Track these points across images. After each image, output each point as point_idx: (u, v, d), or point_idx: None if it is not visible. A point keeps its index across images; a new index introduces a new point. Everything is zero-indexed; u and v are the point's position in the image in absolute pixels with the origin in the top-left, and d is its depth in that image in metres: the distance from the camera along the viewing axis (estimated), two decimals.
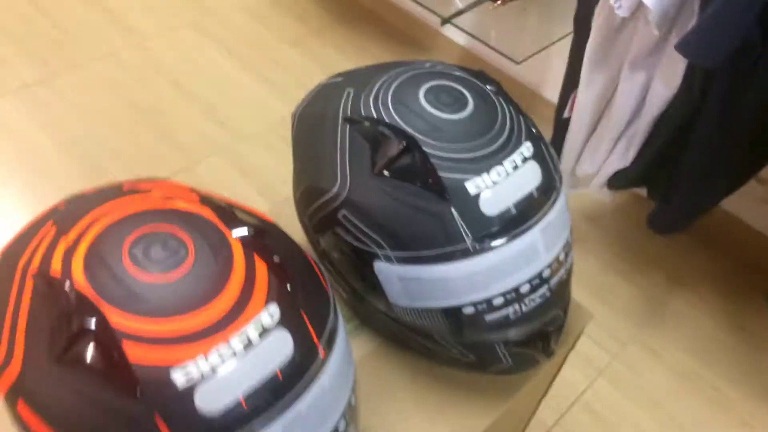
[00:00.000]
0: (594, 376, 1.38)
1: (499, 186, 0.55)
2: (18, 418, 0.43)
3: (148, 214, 0.46)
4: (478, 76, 0.60)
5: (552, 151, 0.61)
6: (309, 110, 0.63)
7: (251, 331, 0.43)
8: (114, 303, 0.41)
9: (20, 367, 0.42)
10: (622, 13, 0.89)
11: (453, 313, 0.57)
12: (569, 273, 0.62)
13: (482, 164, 0.55)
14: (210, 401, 0.41)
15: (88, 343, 0.41)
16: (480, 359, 0.62)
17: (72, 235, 0.44)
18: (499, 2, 1.37)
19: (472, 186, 0.54)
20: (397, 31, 1.81)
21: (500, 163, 0.55)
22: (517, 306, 0.58)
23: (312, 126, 0.61)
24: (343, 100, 0.60)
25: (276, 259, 0.47)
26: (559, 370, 0.80)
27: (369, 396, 0.64)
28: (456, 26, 1.34)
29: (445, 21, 1.32)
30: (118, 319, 0.41)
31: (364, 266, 0.58)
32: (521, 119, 0.59)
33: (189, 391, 0.41)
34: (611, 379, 1.38)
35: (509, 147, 0.56)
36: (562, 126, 1.15)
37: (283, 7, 1.78)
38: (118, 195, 0.49)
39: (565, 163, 1.20)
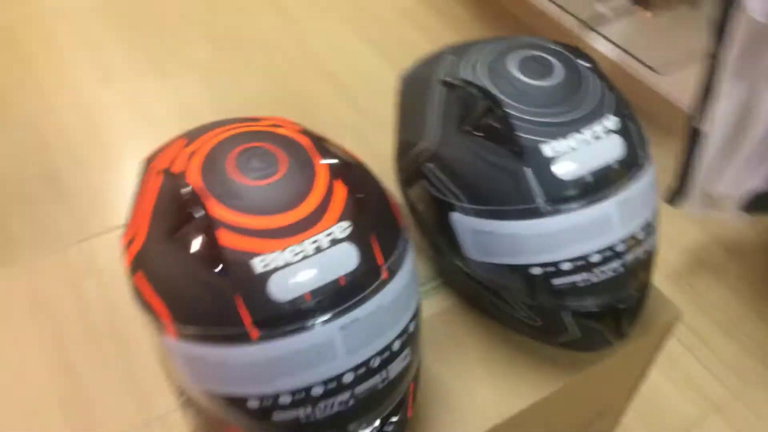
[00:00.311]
0: (708, 412, 1.31)
1: (577, 152, 0.57)
2: (135, 288, 0.52)
3: (255, 135, 0.55)
4: (574, 50, 0.63)
5: (644, 133, 0.62)
6: (414, 74, 0.68)
7: (323, 238, 0.49)
8: (217, 198, 0.49)
9: (142, 244, 0.52)
10: (760, 17, 0.86)
11: (521, 272, 0.60)
12: (649, 256, 0.62)
13: (561, 129, 0.57)
14: (280, 289, 0.47)
15: (193, 227, 0.49)
16: (546, 325, 0.63)
17: (195, 145, 0.54)
18: (649, 14, 1.35)
19: (548, 149, 0.57)
20: (538, 34, 1.82)
21: (579, 131, 0.57)
22: (586, 275, 0.59)
23: (414, 88, 0.67)
24: (443, 66, 0.64)
25: (355, 188, 0.53)
26: (644, 370, 0.78)
27: (440, 347, 0.68)
28: (599, 33, 1.34)
29: (588, 27, 1.32)
30: (218, 211, 0.49)
31: (444, 218, 0.62)
32: (611, 95, 0.60)
33: (264, 277, 0.47)
34: (728, 418, 1.30)
35: (592, 117, 0.58)
36: (695, 139, 1.11)
37: (434, 10, 1.86)
38: (237, 122, 0.58)
39: (698, 179, 1.16)
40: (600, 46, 1.74)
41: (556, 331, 0.63)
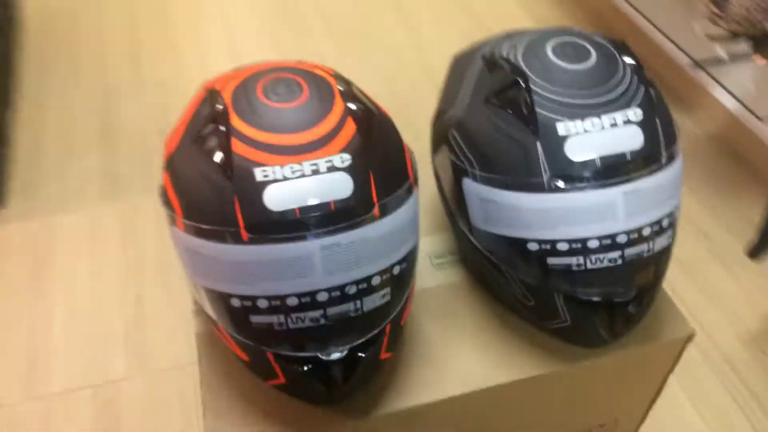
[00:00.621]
0: None
1: (590, 135, 0.58)
2: (161, 185, 0.59)
3: (290, 69, 0.61)
4: (619, 45, 0.64)
5: (674, 134, 0.62)
6: (465, 53, 0.72)
7: (322, 163, 0.54)
8: (239, 113, 0.55)
9: (174, 147, 0.59)
10: None
11: (519, 246, 0.61)
12: (656, 257, 0.62)
13: (580, 111, 0.58)
14: (273, 200, 0.52)
15: (214, 134, 0.55)
16: (538, 306, 0.64)
17: (241, 73, 0.61)
18: (765, 62, 1.31)
19: (562, 127, 0.58)
20: (651, 68, 1.78)
21: (598, 115, 0.58)
22: (581, 258, 0.59)
23: (460, 63, 0.70)
24: (490, 45, 0.67)
25: (366, 127, 0.57)
26: (653, 387, 0.76)
27: (440, 315, 0.70)
28: (707, 73, 1.30)
29: (697, 65, 1.29)
30: (237, 123, 0.55)
31: (457, 183, 0.64)
32: (645, 90, 0.61)
33: (262, 186, 0.53)
34: None
35: (614, 105, 0.59)
36: None
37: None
38: (285, 62, 0.64)
39: None
40: (711, 88, 1.68)
41: (548, 314, 0.64)
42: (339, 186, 0.54)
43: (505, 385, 0.64)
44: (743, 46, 1.38)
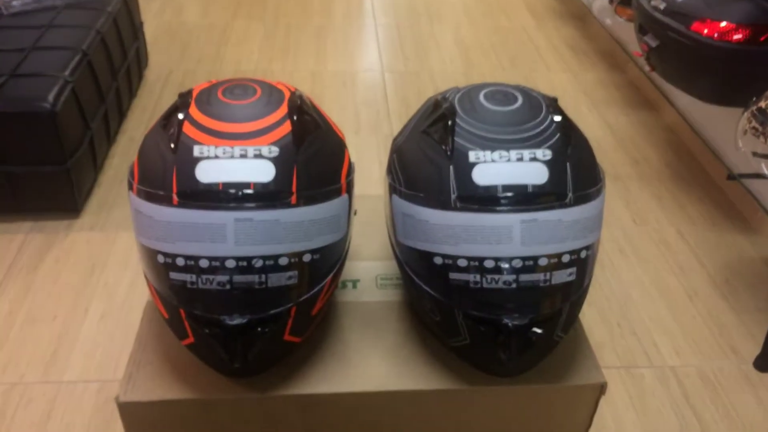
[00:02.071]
0: None
1: (496, 164, 0.64)
2: (131, 164, 0.71)
3: (255, 80, 0.72)
4: (549, 100, 0.70)
5: (589, 181, 0.67)
6: (432, 98, 0.81)
7: (250, 150, 0.63)
8: (198, 104, 0.67)
9: (149, 129, 0.71)
10: None
11: (427, 260, 0.67)
12: (557, 291, 0.65)
13: (491, 144, 0.65)
14: (202, 173, 0.62)
15: (174, 119, 0.66)
16: (443, 322, 0.68)
17: (216, 81, 0.73)
18: None
19: (473, 155, 0.65)
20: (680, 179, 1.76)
21: (507, 149, 0.65)
22: (478, 276, 0.64)
23: (422, 106, 0.79)
24: (446, 91, 0.76)
25: (303, 132, 0.66)
26: None
27: (366, 325, 0.75)
28: (743, 185, 1.30)
29: (733, 177, 1.29)
30: (194, 112, 0.66)
31: (390, 200, 0.72)
32: (561, 137, 0.66)
33: (196, 161, 0.63)
34: None
35: (524, 144, 0.65)
36: None
37: (621, 145, 1.91)
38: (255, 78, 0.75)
39: None
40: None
41: (451, 331, 0.68)
42: (261, 170, 0.63)
43: (403, 392, 0.68)
44: None
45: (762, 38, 1.49)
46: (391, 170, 0.72)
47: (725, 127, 1.75)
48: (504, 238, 0.63)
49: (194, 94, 0.68)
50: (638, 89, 2.28)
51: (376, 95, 2.15)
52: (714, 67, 1.54)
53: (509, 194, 0.63)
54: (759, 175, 1.38)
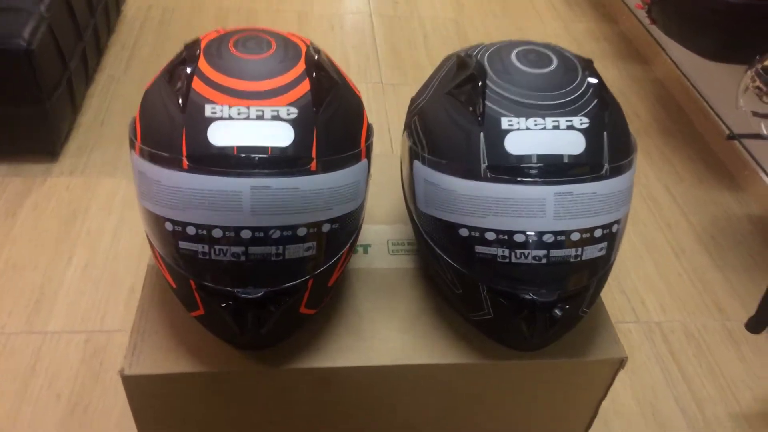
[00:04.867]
0: None
1: (531, 133, 0.60)
2: (132, 118, 0.65)
3: (269, 32, 0.66)
4: (585, 62, 0.66)
5: (626, 150, 0.63)
6: (451, 54, 0.76)
7: (267, 111, 0.58)
8: (207, 57, 0.61)
9: (152, 81, 0.65)
10: None
11: (451, 230, 0.63)
12: (586, 267, 0.62)
13: (525, 110, 0.61)
14: (216, 135, 0.57)
15: (181, 72, 0.61)
16: (465, 295, 0.65)
17: (226, 30, 0.67)
18: None
19: (505, 122, 0.61)
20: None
21: (543, 116, 0.61)
22: (507, 251, 0.61)
23: (443, 62, 0.74)
24: (471, 48, 0.71)
25: (321, 90, 0.61)
26: (585, 410, 0.75)
27: (379, 295, 0.72)
28: (744, 147, 1.28)
29: (732, 137, 1.28)
30: (203, 66, 0.60)
31: (410, 166, 0.68)
32: (597, 104, 0.62)
33: (208, 121, 0.58)
34: None
35: (560, 110, 0.61)
36: None
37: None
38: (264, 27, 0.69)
39: None
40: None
41: (473, 305, 0.65)
42: (279, 134, 0.58)
43: (419, 366, 0.66)
44: None
45: None
46: (412, 133, 0.68)
47: (718, 83, 1.73)
48: (536, 211, 0.60)
49: (202, 45, 0.62)
50: (630, 41, 2.24)
51: (365, 40, 2.07)
52: (717, 23, 1.50)
53: (543, 165, 0.59)
54: (758, 136, 1.36)
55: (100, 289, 1.25)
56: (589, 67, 0.66)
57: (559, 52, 0.66)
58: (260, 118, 0.58)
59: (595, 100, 0.63)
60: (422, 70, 1.95)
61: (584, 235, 0.61)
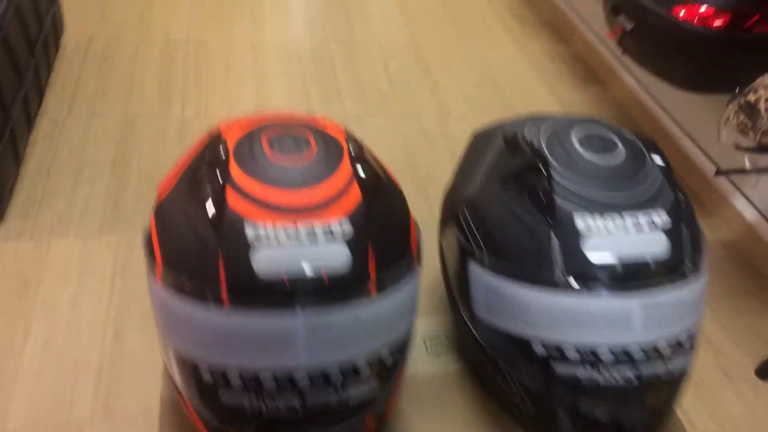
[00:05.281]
0: None
1: (612, 236, 0.54)
2: (146, 229, 0.55)
3: (302, 125, 0.58)
4: (648, 144, 0.60)
5: (701, 246, 0.57)
6: (486, 130, 0.68)
7: (319, 231, 0.49)
8: (240, 161, 0.52)
9: (167, 192, 0.55)
10: None
11: (523, 345, 0.56)
12: (673, 380, 0.56)
13: (602, 207, 0.54)
14: (262, 264, 0.48)
15: (209, 179, 0.51)
16: (538, 416, 0.58)
17: (251, 121, 0.57)
18: None
19: (580, 221, 0.54)
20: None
21: (620, 214, 0.54)
22: (592, 372, 0.54)
23: (479, 141, 0.67)
24: (512, 125, 0.64)
25: (371, 196, 0.53)
26: None
27: (429, 408, 0.64)
28: (731, 182, 1.26)
29: (721, 173, 1.25)
30: (235, 172, 0.51)
31: (462, 265, 0.60)
32: (673, 194, 0.57)
33: (252, 245, 0.48)
34: None
35: (639, 206, 0.55)
36: None
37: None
38: (299, 116, 0.60)
39: None
40: (732, 198, 1.63)
41: (547, 426, 0.58)
42: (335, 257, 0.49)
43: None
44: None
45: (746, 25, 1.44)
46: (461, 227, 0.60)
47: (680, 105, 1.72)
48: (623, 324, 0.53)
49: (230, 144, 0.52)
50: (585, 62, 2.24)
51: (324, 68, 1.98)
52: (694, 54, 1.49)
53: (629, 272, 0.53)
54: (744, 171, 1.35)
55: (63, 372, 1.12)
56: (654, 148, 0.60)
57: (620, 133, 0.60)
58: (312, 239, 0.49)
59: (670, 190, 0.57)
60: (386, 99, 1.88)
61: (672, 344, 0.55)
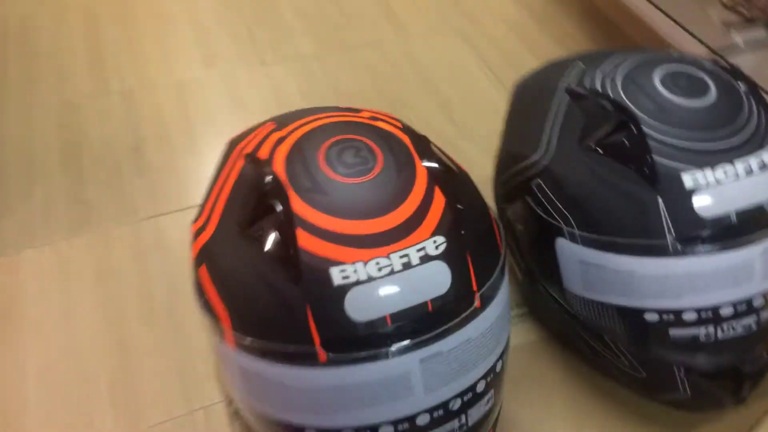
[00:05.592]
0: None
1: (723, 187, 0.48)
2: (197, 283, 0.46)
3: (351, 126, 0.48)
4: (731, 71, 0.54)
5: None
6: (532, 80, 0.61)
7: (413, 253, 0.42)
8: (301, 192, 0.43)
9: (211, 234, 0.46)
10: None
11: (633, 316, 0.51)
12: None
13: (708, 158, 0.48)
14: (358, 307, 0.41)
15: (269, 222, 0.42)
16: (652, 380, 0.54)
17: (285, 131, 0.48)
18: None
19: (689, 179, 0.48)
20: None
21: (731, 161, 0.48)
22: (711, 328, 0.50)
23: (531, 96, 0.59)
24: (569, 73, 0.57)
25: (455, 198, 0.45)
26: None
27: (520, 385, 0.60)
28: (725, 60, 1.22)
29: (714, 53, 1.21)
30: (300, 207, 0.42)
31: (546, 242, 0.54)
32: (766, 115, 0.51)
33: (342, 291, 0.41)
34: None
35: (747, 147, 0.49)
36: None
37: (545, 27, 1.78)
38: (334, 111, 0.51)
39: None
40: None
41: (663, 388, 0.55)
42: (436, 279, 0.42)
43: None
44: (761, 33, 1.32)
45: None
46: (541, 201, 0.54)
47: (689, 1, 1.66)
48: (744, 277, 0.49)
49: (278, 167, 0.44)
50: None
51: (267, 11, 1.84)
52: None
53: (745, 222, 0.48)
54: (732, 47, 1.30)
55: (73, 393, 1.04)
56: (743, 78, 0.53)
57: (702, 66, 0.53)
58: (408, 266, 0.41)
59: (765, 117, 0.51)
60: (341, 32, 1.76)
61: None
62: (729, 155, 0.48)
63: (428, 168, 0.45)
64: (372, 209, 0.42)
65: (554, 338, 0.61)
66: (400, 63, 1.66)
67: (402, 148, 0.47)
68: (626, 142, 0.49)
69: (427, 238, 0.42)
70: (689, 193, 0.47)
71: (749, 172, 0.48)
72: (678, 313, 0.49)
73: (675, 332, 0.50)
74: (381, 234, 0.42)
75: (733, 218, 0.48)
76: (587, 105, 0.52)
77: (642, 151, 0.48)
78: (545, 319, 0.62)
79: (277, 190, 0.43)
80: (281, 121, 0.50)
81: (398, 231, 0.42)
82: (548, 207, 0.53)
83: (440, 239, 0.42)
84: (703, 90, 0.51)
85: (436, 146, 0.50)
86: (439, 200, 0.44)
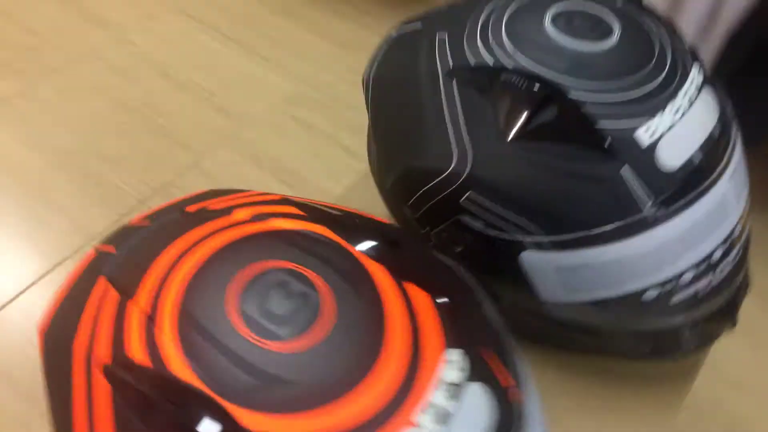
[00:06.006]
0: None
1: (678, 128, 0.41)
2: None
3: (245, 248, 0.32)
4: (634, 6, 0.46)
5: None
6: (388, 70, 0.48)
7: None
8: (231, 397, 0.28)
9: None
10: None
11: (630, 302, 0.44)
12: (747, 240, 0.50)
13: (652, 103, 0.41)
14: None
15: None
16: (658, 347, 0.49)
17: (144, 297, 0.31)
18: None
19: (644, 134, 0.40)
20: None
21: (673, 96, 0.41)
22: (709, 278, 0.45)
23: (398, 89, 0.47)
24: (437, 50, 0.45)
25: (432, 285, 0.33)
26: None
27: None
28: None
29: None
30: (241, 416, 0.27)
31: (504, 260, 0.44)
32: (676, 38, 0.45)
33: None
34: None
35: (678, 75, 0.42)
36: None
37: None
38: (188, 224, 0.35)
39: None
40: None
41: (669, 349, 0.50)
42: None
43: None
44: None
45: None
46: (484, 220, 0.43)
47: None
48: (723, 212, 0.44)
49: (165, 331, 0.29)
50: None
51: None
52: None
53: (707, 156, 0.42)
54: None
55: None
56: (643, 8, 0.46)
57: (591, 3, 0.45)
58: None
59: (669, 34, 0.45)
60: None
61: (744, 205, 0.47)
62: (669, 91, 0.41)
63: (400, 291, 0.31)
64: (338, 390, 0.28)
65: (528, 341, 0.54)
66: (126, 66, 1.41)
67: (337, 251, 0.32)
68: (559, 117, 0.40)
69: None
70: (650, 150, 0.40)
71: (691, 101, 0.42)
72: (677, 278, 0.43)
73: (676, 298, 0.44)
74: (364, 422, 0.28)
75: (698, 158, 0.41)
76: (485, 85, 0.42)
77: (580, 121, 0.39)
78: (527, 335, 0.53)
79: (201, 403, 0.27)
80: (121, 278, 0.33)
81: (397, 397, 0.29)
82: (494, 222, 0.43)
83: (455, 356, 0.30)
84: (606, 28, 0.43)
85: (346, 211, 0.37)
86: (421, 302, 0.31)
